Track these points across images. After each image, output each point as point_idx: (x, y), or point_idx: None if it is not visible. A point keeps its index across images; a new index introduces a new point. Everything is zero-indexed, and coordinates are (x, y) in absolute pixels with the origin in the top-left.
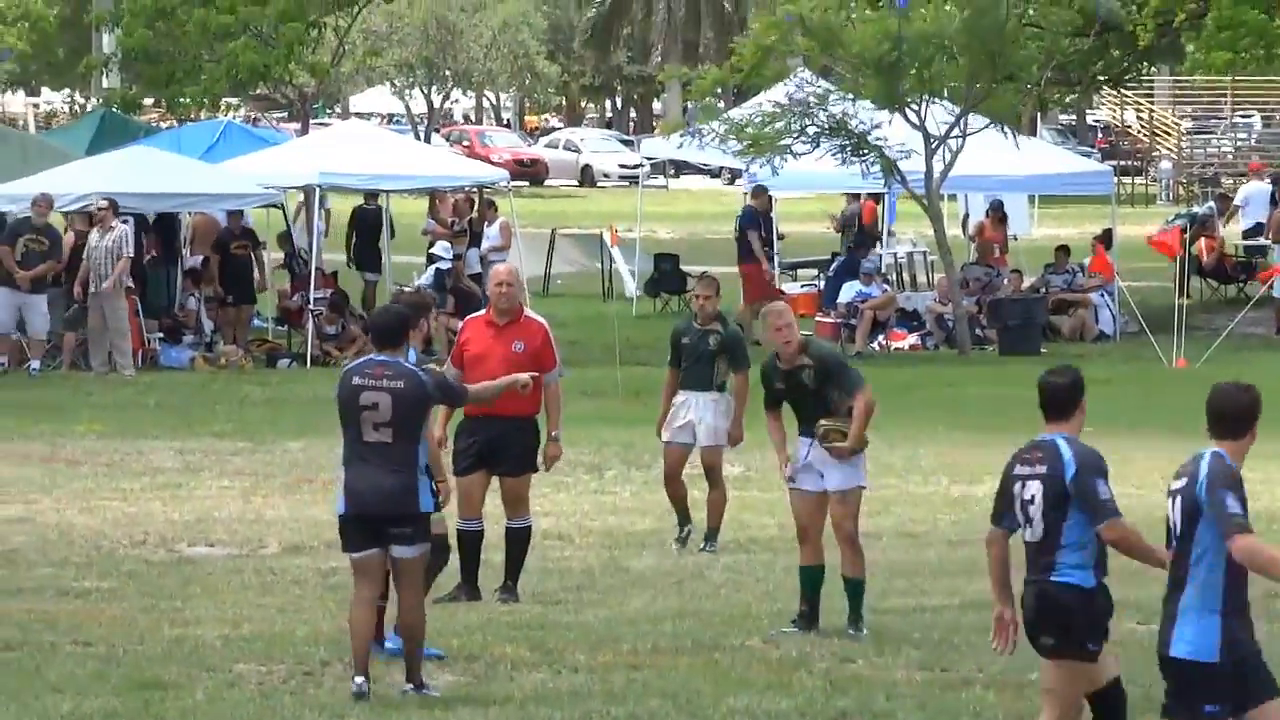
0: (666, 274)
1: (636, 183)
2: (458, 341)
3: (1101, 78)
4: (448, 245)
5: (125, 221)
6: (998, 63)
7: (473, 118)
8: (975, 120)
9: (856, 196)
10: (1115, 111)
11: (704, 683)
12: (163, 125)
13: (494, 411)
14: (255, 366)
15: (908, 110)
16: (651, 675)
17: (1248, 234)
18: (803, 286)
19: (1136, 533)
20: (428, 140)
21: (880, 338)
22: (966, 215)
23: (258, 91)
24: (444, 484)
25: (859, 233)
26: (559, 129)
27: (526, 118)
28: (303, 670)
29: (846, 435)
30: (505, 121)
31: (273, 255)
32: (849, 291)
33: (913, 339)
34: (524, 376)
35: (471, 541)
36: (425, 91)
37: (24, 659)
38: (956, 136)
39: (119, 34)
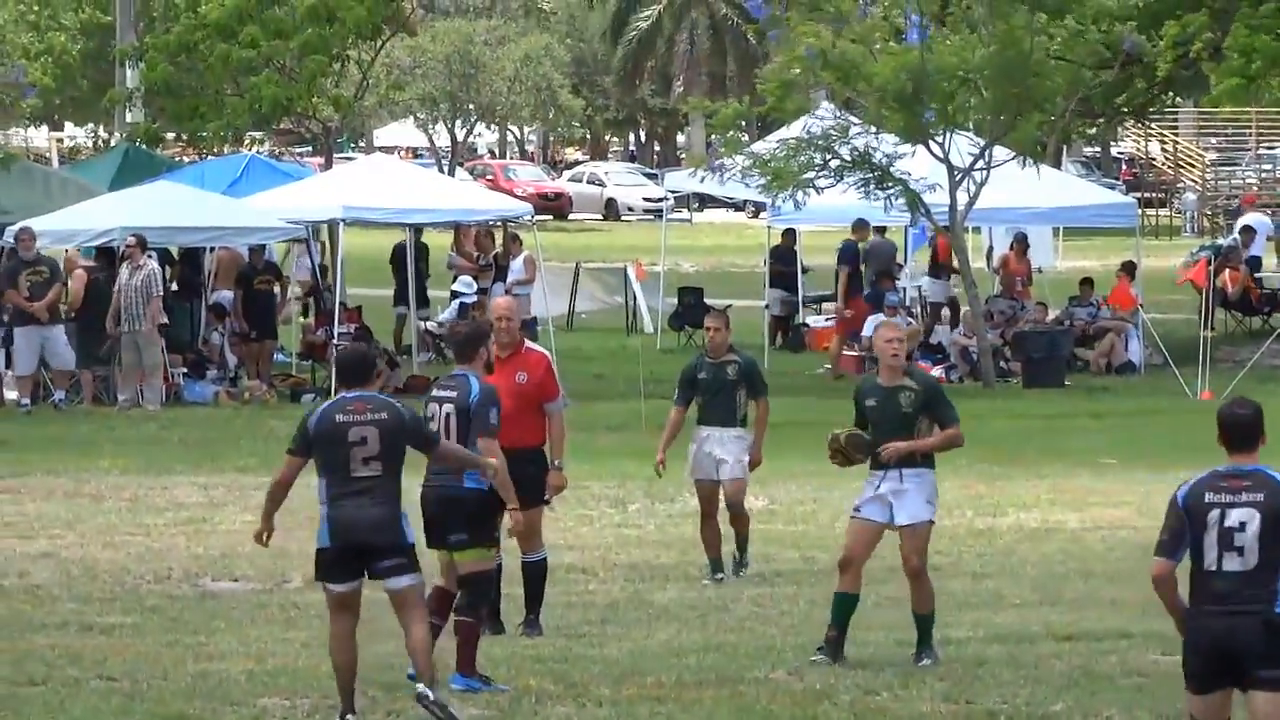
0: (691, 307)
1: (661, 216)
2: None
3: (1125, 110)
4: (470, 280)
5: (151, 257)
6: (1023, 95)
7: (496, 152)
8: (999, 153)
9: (882, 230)
10: (1140, 143)
11: (728, 716)
12: (186, 160)
13: (500, 444)
14: (279, 401)
15: (931, 143)
16: (676, 709)
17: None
18: (826, 320)
19: None
20: (452, 174)
21: None
22: (991, 248)
23: (281, 125)
24: (516, 511)
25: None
26: (583, 162)
27: (553, 150)
28: (327, 704)
29: (864, 444)
30: (529, 155)
31: (293, 291)
32: (873, 325)
33: (937, 371)
34: (494, 462)
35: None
36: (449, 125)
37: (48, 694)
38: (981, 169)
39: (142, 69)
